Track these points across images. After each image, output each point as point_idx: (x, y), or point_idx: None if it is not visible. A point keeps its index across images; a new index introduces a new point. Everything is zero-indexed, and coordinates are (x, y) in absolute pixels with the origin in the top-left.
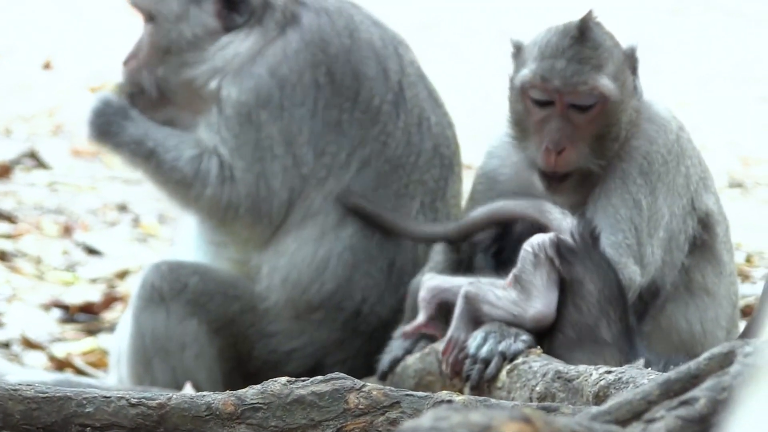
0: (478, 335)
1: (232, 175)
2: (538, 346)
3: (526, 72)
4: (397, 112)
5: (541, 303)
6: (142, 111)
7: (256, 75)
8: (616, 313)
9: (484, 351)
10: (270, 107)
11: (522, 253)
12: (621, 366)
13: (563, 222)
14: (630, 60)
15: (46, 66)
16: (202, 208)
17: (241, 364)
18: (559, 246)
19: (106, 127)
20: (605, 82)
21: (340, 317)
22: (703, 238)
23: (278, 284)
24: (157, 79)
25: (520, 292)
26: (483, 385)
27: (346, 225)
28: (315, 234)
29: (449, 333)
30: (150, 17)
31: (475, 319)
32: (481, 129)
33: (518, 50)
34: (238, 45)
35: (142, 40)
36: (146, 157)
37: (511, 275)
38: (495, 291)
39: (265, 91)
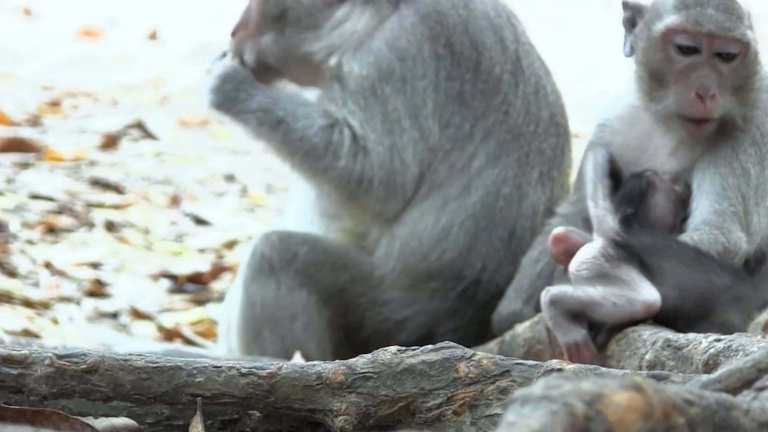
0: None
1: (365, 147)
2: None
3: (674, 18)
4: (515, 81)
5: (647, 291)
6: None
7: (375, 49)
8: (712, 267)
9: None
10: (392, 80)
11: (586, 265)
12: (765, 301)
13: (605, 220)
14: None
15: (152, 37)
16: (332, 179)
17: (350, 334)
18: (613, 248)
19: (234, 93)
20: (749, 33)
21: (459, 286)
22: None
23: (396, 253)
24: (261, 48)
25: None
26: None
27: (469, 194)
28: (438, 203)
29: (562, 343)
30: None
31: (571, 315)
32: (586, 98)
33: (637, 8)
34: (354, 22)
35: (250, 8)
36: (274, 126)
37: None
38: (585, 289)
39: (386, 65)
